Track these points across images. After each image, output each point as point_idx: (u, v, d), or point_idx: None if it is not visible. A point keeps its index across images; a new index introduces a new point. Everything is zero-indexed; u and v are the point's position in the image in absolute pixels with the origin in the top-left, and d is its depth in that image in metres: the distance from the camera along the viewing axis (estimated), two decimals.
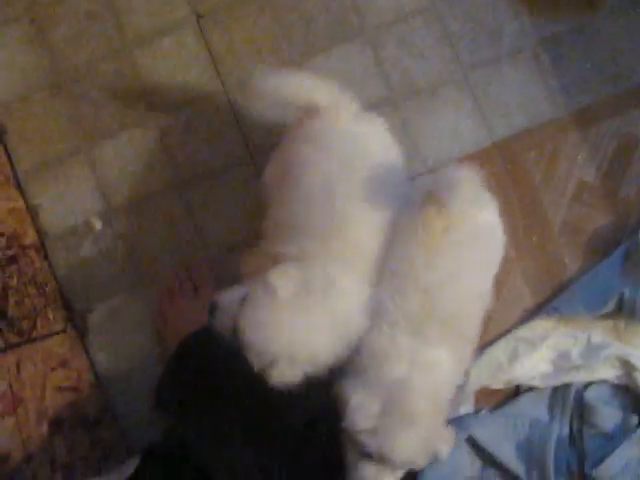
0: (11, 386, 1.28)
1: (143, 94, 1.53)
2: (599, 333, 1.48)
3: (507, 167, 1.53)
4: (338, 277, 1.10)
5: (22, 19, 1.56)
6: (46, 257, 1.51)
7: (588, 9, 1.58)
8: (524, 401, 1.47)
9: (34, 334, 1.41)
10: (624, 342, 1.47)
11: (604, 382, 1.47)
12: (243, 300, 1.06)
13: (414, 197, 1.18)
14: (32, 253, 1.47)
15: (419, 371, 1.11)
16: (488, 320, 1.43)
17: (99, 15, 1.55)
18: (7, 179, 1.50)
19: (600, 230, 1.54)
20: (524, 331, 1.48)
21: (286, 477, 1.21)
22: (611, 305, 1.45)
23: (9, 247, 1.43)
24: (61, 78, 1.55)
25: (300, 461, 1.21)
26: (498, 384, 1.47)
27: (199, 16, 1.55)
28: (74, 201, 1.53)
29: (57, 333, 1.44)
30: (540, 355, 1.47)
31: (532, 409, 1.46)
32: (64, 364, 1.38)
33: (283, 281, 1.05)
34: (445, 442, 1.13)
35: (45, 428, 1.34)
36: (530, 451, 1.41)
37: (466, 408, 1.46)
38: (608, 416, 1.43)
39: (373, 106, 1.44)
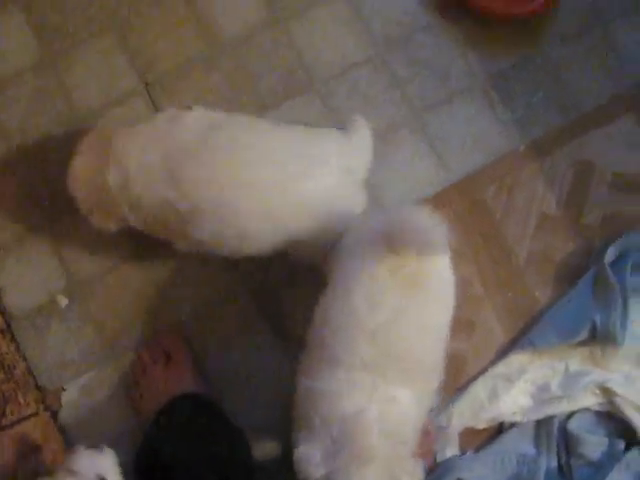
0: None
1: None
2: (576, 362, 1.50)
3: (467, 205, 1.56)
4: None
5: None
6: (13, 339, 1.50)
7: (531, 42, 1.63)
8: (509, 437, 1.47)
9: (4, 422, 1.41)
10: (602, 368, 1.49)
11: (586, 410, 1.48)
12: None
13: (359, 237, 1.18)
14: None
15: (375, 406, 1.09)
16: (463, 360, 1.46)
17: (48, 91, 1.57)
18: None
19: (566, 258, 1.57)
20: (501, 367, 1.50)
21: None
22: (585, 333, 1.47)
23: None
24: (13, 157, 1.56)
25: None
26: (481, 423, 1.48)
27: (147, 84, 1.57)
28: (38, 280, 1.53)
29: (29, 417, 1.42)
30: (519, 390, 1.48)
31: (518, 445, 1.47)
32: (37, 449, 1.37)
33: None
34: (411, 475, 1.11)
35: None
36: None
37: (452, 451, 1.46)
38: (594, 444, 1.43)
39: None
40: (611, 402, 1.46)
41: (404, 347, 1.11)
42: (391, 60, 1.61)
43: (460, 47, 1.63)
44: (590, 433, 1.45)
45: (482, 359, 1.52)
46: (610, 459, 1.43)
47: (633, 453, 1.41)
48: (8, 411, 1.43)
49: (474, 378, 1.49)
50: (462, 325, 1.48)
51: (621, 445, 1.43)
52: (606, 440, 1.45)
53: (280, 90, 1.59)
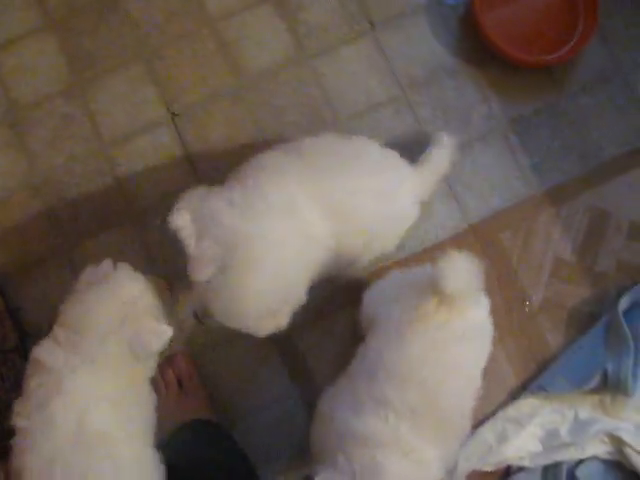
0: None
1: (121, 194, 1.58)
2: (586, 409, 1.52)
3: (484, 248, 1.59)
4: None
5: (1, 124, 1.61)
6: (27, 358, 1.52)
7: (553, 90, 1.68)
8: None
9: None
10: (612, 416, 1.51)
11: (595, 459, 1.50)
12: None
13: (410, 289, 1.22)
14: (14, 357, 1.50)
15: (403, 463, 1.11)
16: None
17: (76, 117, 1.61)
18: None
19: (579, 305, 1.60)
20: (511, 411, 1.53)
21: None
22: (596, 380, 1.50)
23: None
24: (39, 180, 1.61)
25: None
26: (489, 466, 1.50)
27: (174, 115, 1.62)
28: (55, 302, 1.55)
29: None
30: (528, 434, 1.51)
31: None
32: None
33: None
34: None
35: None
36: None
37: None
38: None
39: None
40: (620, 451, 1.48)
41: (450, 401, 1.15)
42: (414, 101, 1.66)
43: (482, 91, 1.67)
44: None
45: (492, 402, 1.55)
46: None
47: None
48: None
49: (483, 421, 1.52)
50: None
51: None
52: None
53: (304, 125, 1.64)
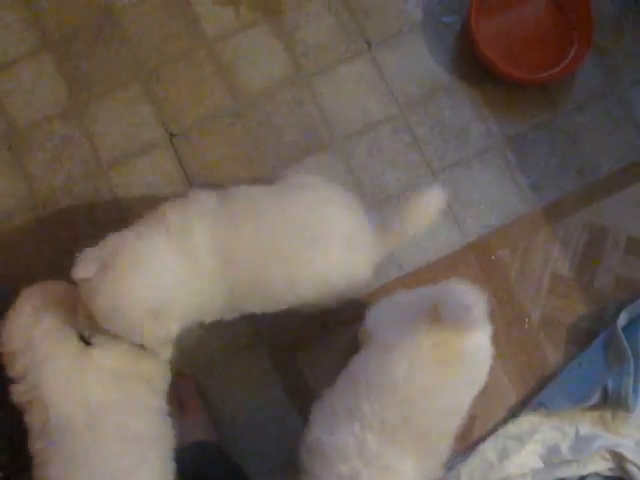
0: None
1: (120, 214, 1.61)
2: (587, 425, 1.55)
3: (482, 266, 1.62)
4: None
5: None
6: None
7: (549, 107, 1.72)
8: None
9: None
10: (613, 433, 1.54)
11: (596, 475, 1.53)
12: None
13: (409, 307, 1.24)
14: None
15: (376, 474, 1.14)
16: (473, 419, 1.51)
17: (74, 139, 1.64)
18: None
19: (578, 321, 1.64)
20: (511, 428, 1.56)
21: None
22: (596, 397, 1.53)
23: None
24: (38, 201, 1.63)
25: None
26: None
27: (172, 135, 1.65)
28: None
29: None
30: (529, 451, 1.54)
31: None
32: None
33: None
34: None
35: None
36: None
37: None
38: None
39: None
40: (621, 468, 1.51)
41: (429, 421, 1.16)
42: (411, 120, 1.69)
43: (479, 109, 1.71)
44: None
45: (493, 419, 1.58)
46: None
47: None
48: None
49: (484, 438, 1.55)
50: None
51: None
52: None
53: (302, 145, 1.67)
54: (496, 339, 1.46)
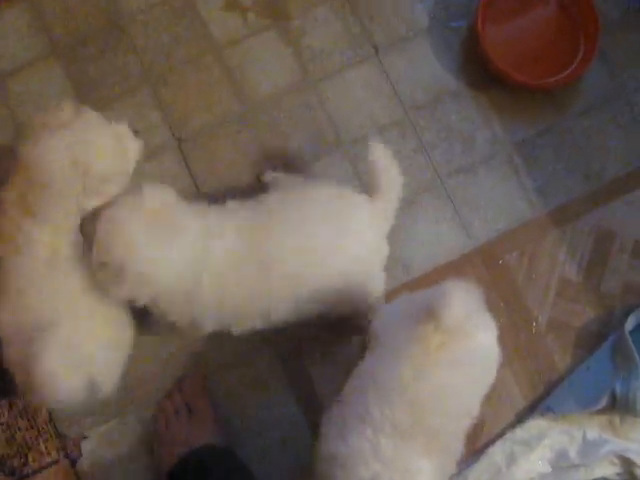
0: None
1: None
2: (595, 429, 1.57)
3: (490, 270, 1.65)
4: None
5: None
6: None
7: (556, 112, 1.75)
8: None
9: (25, 470, 1.49)
10: (621, 437, 1.56)
11: None
12: None
13: (411, 310, 1.25)
14: None
15: (396, 476, 1.15)
16: (481, 424, 1.53)
17: None
18: None
19: (586, 325, 1.66)
20: (519, 432, 1.57)
21: None
22: (604, 401, 1.55)
23: None
24: None
25: None
26: None
27: (180, 140, 1.68)
28: None
29: (50, 465, 1.50)
30: (537, 456, 1.55)
31: None
32: None
33: None
34: None
35: None
36: None
37: None
38: None
39: None
40: (630, 473, 1.53)
41: (440, 421, 1.18)
42: (418, 125, 1.73)
43: (486, 114, 1.74)
44: None
45: (500, 423, 1.60)
46: None
47: None
48: (30, 459, 1.51)
49: (492, 442, 1.57)
50: None
51: None
52: None
53: (309, 150, 1.70)
54: (504, 343, 1.48)
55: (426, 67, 1.77)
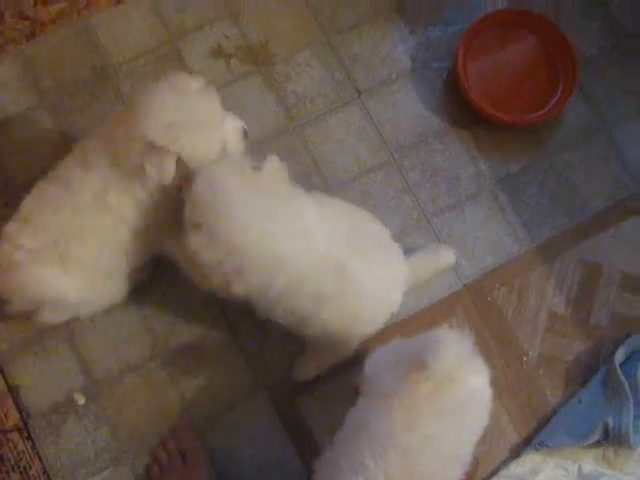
0: None
1: None
2: (589, 463, 1.61)
3: (479, 307, 1.69)
4: None
5: None
6: (29, 437, 1.59)
7: (538, 147, 1.81)
8: None
9: None
10: (616, 470, 1.60)
11: None
12: None
13: (402, 357, 1.28)
14: (15, 436, 1.57)
15: None
16: (475, 461, 1.54)
17: None
18: None
19: (576, 358, 1.69)
20: (514, 468, 1.60)
21: None
22: (597, 434, 1.58)
23: None
24: None
25: None
26: None
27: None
28: (56, 378, 1.63)
29: None
30: None
31: None
32: None
33: None
34: None
35: None
36: None
37: None
38: None
39: None
40: None
41: (432, 469, 1.20)
42: (403, 165, 1.77)
43: (469, 152, 1.79)
44: None
45: (494, 459, 1.62)
46: None
47: None
48: None
49: (486, 477, 1.59)
50: None
51: None
52: None
53: None
54: (495, 379, 1.51)
55: (409, 108, 1.82)
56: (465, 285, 1.71)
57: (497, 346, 1.68)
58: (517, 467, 1.60)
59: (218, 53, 1.83)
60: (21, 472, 1.56)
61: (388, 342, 1.38)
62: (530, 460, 1.61)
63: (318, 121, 1.80)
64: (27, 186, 1.68)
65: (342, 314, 1.37)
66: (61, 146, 1.75)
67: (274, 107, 1.80)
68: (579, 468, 1.59)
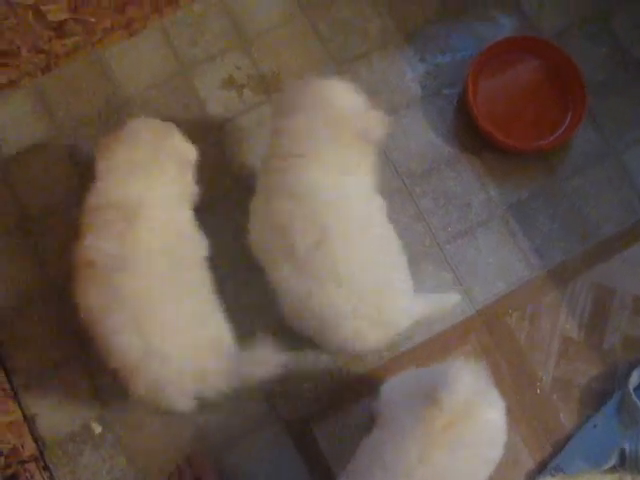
0: None
1: None
2: None
3: (492, 332, 1.71)
4: None
5: (12, 233, 1.75)
6: (46, 467, 1.62)
7: (549, 173, 1.84)
8: None
9: None
10: None
11: None
12: None
13: (417, 389, 1.31)
14: (32, 467, 1.60)
15: None
16: None
17: None
18: (4, 391, 1.64)
19: (590, 383, 1.72)
20: None
21: None
22: (613, 459, 1.60)
23: (8, 465, 1.54)
24: (49, 286, 1.74)
25: None
26: None
27: None
28: (72, 407, 1.66)
29: None
30: None
31: None
32: None
33: None
34: None
35: None
36: None
37: None
38: None
39: None
40: None
41: None
42: (414, 192, 1.81)
43: (480, 178, 1.83)
44: None
45: None
46: None
47: None
48: None
49: None
50: None
51: None
52: None
53: None
54: (509, 405, 1.53)
55: (420, 135, 1.86)
56: (477, 311, 1.74)
57: (510, 371, 1.70)
58: None
59: (230, 83, 1.88)
60: None
61: (403, 370, 1.40)
62: None
63: None
64: (45, 216, 1.75)
65: None
66: (75, 176, 1.79)
67: None
68: None
